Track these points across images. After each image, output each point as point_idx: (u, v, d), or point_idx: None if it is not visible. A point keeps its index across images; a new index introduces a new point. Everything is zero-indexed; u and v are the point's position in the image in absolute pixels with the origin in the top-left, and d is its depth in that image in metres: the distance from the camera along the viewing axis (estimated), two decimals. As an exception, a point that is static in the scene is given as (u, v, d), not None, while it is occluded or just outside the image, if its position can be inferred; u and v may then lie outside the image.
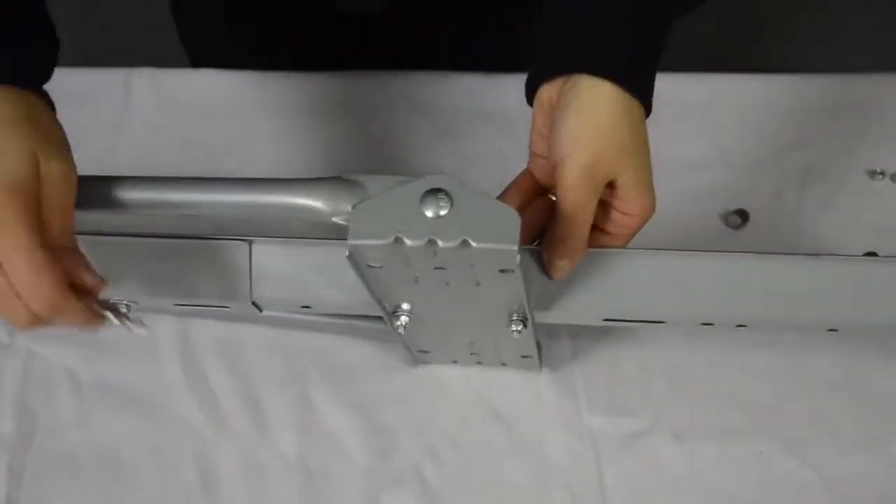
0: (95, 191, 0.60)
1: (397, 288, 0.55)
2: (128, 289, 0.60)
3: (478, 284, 0.54)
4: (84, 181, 0.56)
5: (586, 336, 0.74)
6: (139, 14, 1.53)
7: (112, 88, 0.87)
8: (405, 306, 0.58)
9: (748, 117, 0.85)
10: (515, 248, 0.49)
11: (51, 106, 0.55)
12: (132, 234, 0.63)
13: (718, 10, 1.70)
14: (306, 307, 0.63)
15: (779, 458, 0.68)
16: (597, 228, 0.59)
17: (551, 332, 0.73)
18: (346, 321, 0.72)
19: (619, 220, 0.59)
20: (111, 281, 0.55)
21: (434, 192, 0.49)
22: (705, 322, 0.61)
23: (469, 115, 0.85)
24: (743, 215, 0.79)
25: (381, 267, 0.52)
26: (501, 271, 0.51)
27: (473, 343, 0.66)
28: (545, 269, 0.59)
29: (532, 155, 0.61)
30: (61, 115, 0.58)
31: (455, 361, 0.72)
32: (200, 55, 0.96)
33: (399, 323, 0.58)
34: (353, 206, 0.51)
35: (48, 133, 0.52)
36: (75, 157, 0.55)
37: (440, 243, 0.49)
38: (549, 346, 0.72)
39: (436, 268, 0.52)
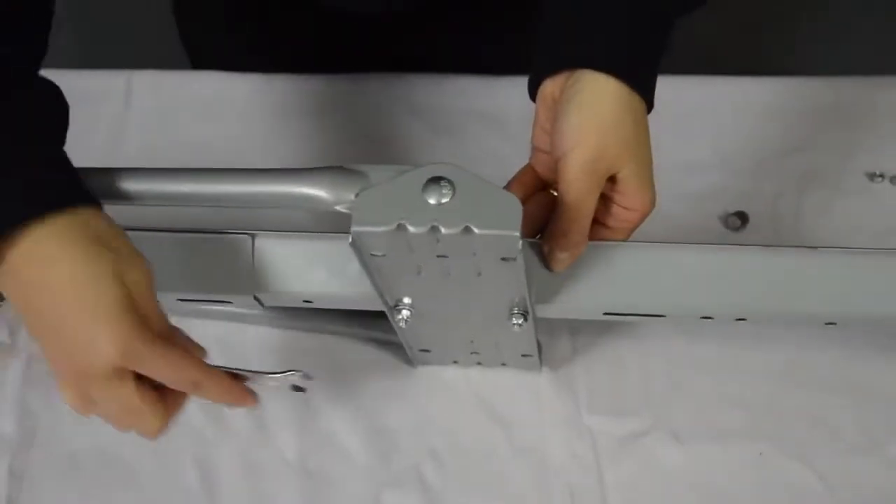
0: (100, 182, 0.61)
1: (399, 279, 0.56)
2: None
3: (479, 275, 0.54)
4: (88, 173, 0.56)
5: (586, 336, 0.74)
6: (140, 16, 1.53)
7: (113, 90, 0.87)
8: (407, 300, 0.58)
9: (748, 119, 0.85)
10: (517, 234, 0.49)
11: (99, 206, 0.54)
12: (134, 228, 0.63)
13: (719, 13, 1.71)
14: (308, 302, 0.63)
15: (779, 459, 0.68)
16: (597, 222, 0.60)
17: (551, 331, 0.73)
18: (346, 325, 0.73)
19: (619, 215, 0.59)
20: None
21: (436, 180, 0.50)
22: (705, 315, 0.61)
23: (468, 117, 0.85)
24: (743, 217, 0.79)
25: (383, 255, 0.52)
26: (503, 259, 0.51)
27: (474, 341, 0.66)
28: (546, 261, 0.60)
29: (534, 150, 0.62)
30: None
31: (455, 362, 0.72)
32: (201, 57, 0.96)
33: (401, 317, 0.58)
34: (356, 195, 0.51)
35: (114, 241, 0.52)
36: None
37: (443, 230, 0.49)
38: (549, 346, 0.72)
39: (438, 256, 0.52)
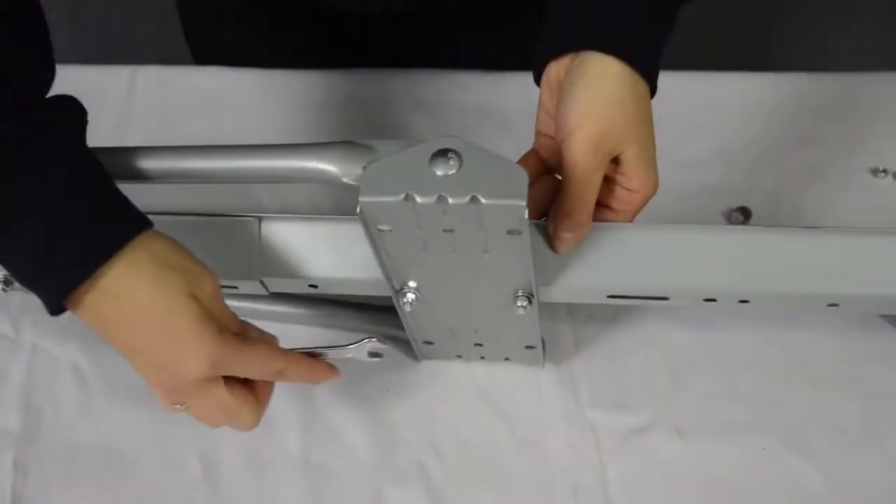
0: (113, 161, 0.61)
1: (406, 257, 0.56)
2: None
3: (485, 252, 0.54)
4: (100, 153, 0.56)
5: (589, 331, 0.74)
6: (143, 12, 1.53)
7: (117, 85, 0.88)
8: (412, 284, 0.59)
9: (751, 116, 0.85)
10: (523, 203, 0.49)
11: (150, 223, 0.55)
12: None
13: (722, 10, 1.71)
14: (313, 286, 0.63)
15: (781, 454, 0.68)
16: (601, 205, 0.60)
17: (554, 327, 0.73)
18: (351, 320, 0.73)
19: (623, 197, 0.60)
20: None
21: (443, 152, 0.50)
22: (708, 298, 0.61)
23: (469, 112, 0.85)
24: (745, 213, 0.79)
25: (390, 230, 0.53)
26: (509, 233, 0.52)
27: (478, 331, 0.66)
28: (550, 242, 0.60)
29: (538, 134, 0.62)
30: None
31: (459, 357, 0.72)
32: (204, 53, 0.97)
33: (406, 300, 0.59)
34: (364, 168, 0.52)
35: (177, 259, 0.54)
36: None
37: (450, 200, 0.50)
38: (551, 342, 0.72)
39: (445, 231, 0.52)
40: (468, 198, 0.49)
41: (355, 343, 0.60)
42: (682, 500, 0.67)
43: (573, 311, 0.75)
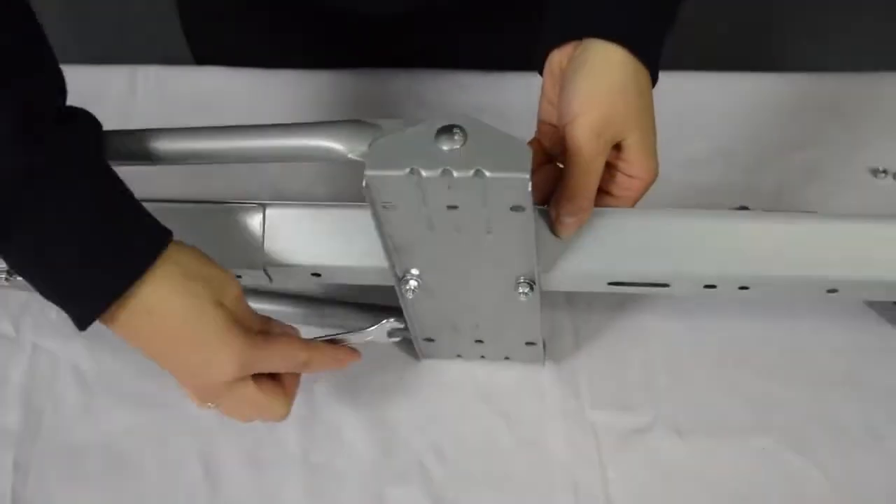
0: (120, 144, 0.62)
1: (410, 238, 0.56)
2: None
3: (489, 232, 0.54)
4: (108, 136, 0.57)
5: (589, 331, 0.74)
6: (144, 12, 1.53)
7: (117, 85, 0.88)
8: (415, 271, 0.59)
9: (751, 115, 0.85)
10: (527, 176, 0.50)
11: (171, 233, 0.56)
12: (146, 200, 0.64)
13: (722, 10, 1.71)
14: (316, 275, 0.64)
15: (781, 454, 0.69)
16: (602, 191, 0.61)
17: (554, 326, 0.74)
18: (354, 319, 0.73)
19: (624, 183, 0.61)
20: None
21: (448, 128, 0.51)
22: (708, 284, 0.62)
23: (471, 112, 0.84)
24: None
25: (395, 207, 0.53)
26: (512, 209, 0.52)
27: (479, 325, 0.66)
28: (552, 227, 0.61)
29: (540, 122, 0.63)
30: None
31: (459, 356, 0.72)
32: (204, 53, 0.97)
33: (408, 287, 0.59)
34: (370, 144, 0.52)
35: (200, 268, 0.56)
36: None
37: (455, 174, 0.50)
38: (551, 341, 0.72)
39: (449, 207, 0.53)
40: (473, 171, 0.50)
41: (375, 325, 0.62)
42: (683, 500, 0.67)
43: (573, 310, 0.75)
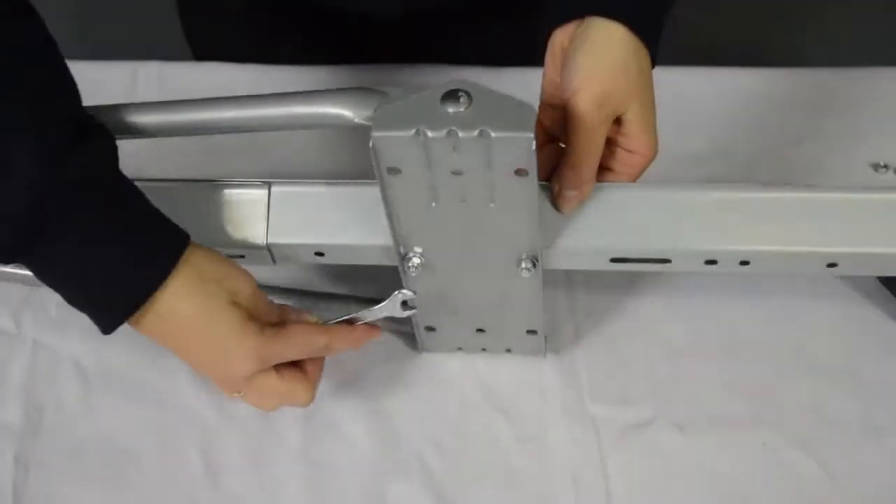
0: (125, 117, 0.63)
1: (414, 210, 0.57)
2: None
3: (492, 203, 0.55)
4: (111, 110, 0.59)
5: (589, 325, 0.74)
6: (144, 8, 1.53)
7: (119, 81, 0.88)
8: (418, 249, 0.60)
9: (751, 111, 0.85)
10: (531, 135, 0.51)
11: (187, 235, 0.58)
12: (155, 179, 0.65)
13: (721, 5, 1.71)
14: (320, 254, 0.64)
15: (781, 449, 0.68)
16: (603, 168, 0.62)
17: (555, 322, 0.74)
18: (347, 309, 0.73)
19: (624, 159, 0.62)
20: None
21: (454, 92, 0.52)
22: (709, 259, 0.62)
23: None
24: (746, 207, 0.79)
25: (401, 173, 0.54)
26: (517, 173, 0.53)
27: (480, 311, 0.66)
28: (554, 202, 0.61)
29: (541, 104, 0.64)
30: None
31: (460, 349, 0.72)
32: (205, 52, 0.97)
33: (411, 264, 0.60)
34: (376, 109, 0.54)
35: (214, 268, 0.58)
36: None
37: (460, 134, 0.51)
38: (552, 336, 0.72)
39: (453, 173, 0.53)
40: (477, 132, 0.51)
41: (387, 300, 0.63)
42: (683, 494, 0.67)
43: (573, 305, 0.75)
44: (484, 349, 0.72)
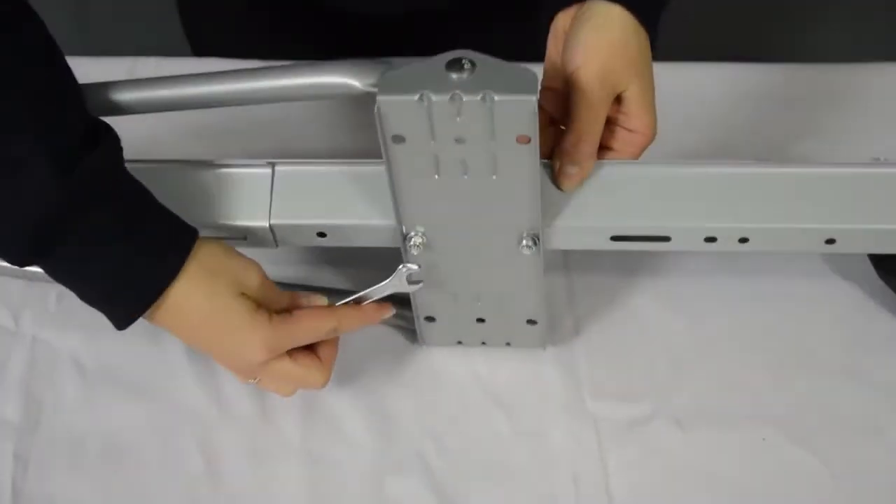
0: (130, 93, 0.64)
1: (418, 183, 0.57)
2: None
3: (494, 175, 0.56)
4: (116, 86, 0.61)
5: (589, 322, 0.74)
6: (143, 4, 1.53)
7: (117, 77, 0.87)
8: (420, 228, 0.60)
9: (752, 106, 0.85)
10: (534, 98, 0.52)
11: (196, 230, 0.60)
12: (161, 161, 0.66)
13: (722, 0, 1.70)
14: (322, 235, 0.65)
15: (782, 445, 0.68)
16: (603, 147, 0.64)
17: (554, 318, 0.73)
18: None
19: (624, 138, 0.63)
20: None
21: (458, 59, 0.53)
22: (709, 237, 0.63)
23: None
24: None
25: (405, 141, 0.54)
26: (519, 141, 0.54)
27: (481, 297, 0.67)
28: (555, 180, 0.62)
29: (543, 88, 0.65)
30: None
31: (460, 342, 0.72)
32: (205, 52, 0.97)
33: (413, 244, 0.61)
34: (381, 76, 0.55)
35: (222, 260, 0.60)
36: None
37: (464, 98, 0.52)
38: (551, 332, 0.72)
39: (457, 141, 0.54)
40: (481, 95, 0.52)
41: (392, 275, 0.63)
42: (683, 491, 0.67)
43: (573, 301, 0.75)
44: (484, 343, 0.72)
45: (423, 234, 0.61)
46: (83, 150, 0.55)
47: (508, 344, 0.72)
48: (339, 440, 0.70)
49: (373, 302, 0.65)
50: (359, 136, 0.83)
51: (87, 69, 0.84)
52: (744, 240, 0.63)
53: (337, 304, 0.64)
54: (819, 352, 0.72)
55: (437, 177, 0.57)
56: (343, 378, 0.72)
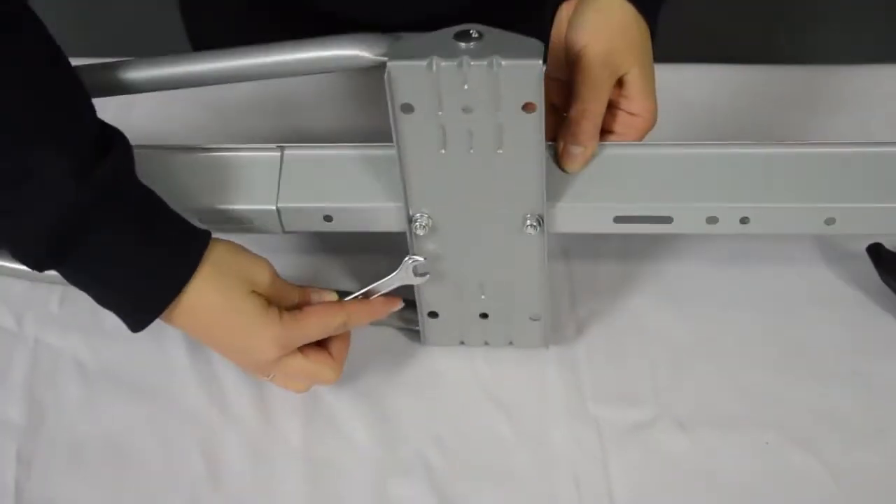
0: (148, 71, 0.66)
1: (424, 156, 0.58)
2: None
3: (499, 149, 0.57)
4: (133, 63, 0.64)
5: (591, 324, 0.74)
6: (144, 5, 1.53)
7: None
8: (425, 210, 0.61)
9: (753, 108, 0.86)
10: (540, 62, 0.53)
11: (208, 232, 0.62)
12: (170, 147, 0.67)
13: (719, 4, 1.71)
14: (328, 219, 0.66)
15: (784, 448, 0.68)
16: (605, 131, 0.66)
17: (557, 320, 0.73)
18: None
19: (625, 121, 0.65)
20: None
21: (465, 30, 0.55)
22: (711, 217, 0.64)
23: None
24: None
25: (413, 111, 0.56)
26: (524, 111, 0.55)
27: (484, 288, 0.67)
28: (559, 161, 0.64)
29: (545, 77, 0.65)
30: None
31: (462, 342, 0.72)
32: (205, 46, 0.96)
33: (418, 224, 0.62)
34: (390, 45, 0.57)
35: (233, 260, 0.62)
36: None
37: (471, 63, 0.53)
38: (554, 334, 0.72)
39: (464, 111, 0.56)
40: (487, 60, 0.53)
41: (399, 268, 0.64)
42: (685, 494, 0.67)
43: (575, 304, 0.75)
44: (486, 342, 0.71)
45: (429, 216, 0.62)
46: (98, 155, 0.56)
47: (511, 344, 0.72)
48: (341, 441, 0.70)
49: (381, 295, 0.66)
50: (369, 112, 0.84)
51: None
52: (745, 220, 0.64)
53: (345, 298, 0.65)
54: (821, 354, 0.72)
55: (443, 151, 0.58)
56: (344, 379, 0.71)
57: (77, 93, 0.58)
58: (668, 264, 0.77)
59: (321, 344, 0.65)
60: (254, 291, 0.61)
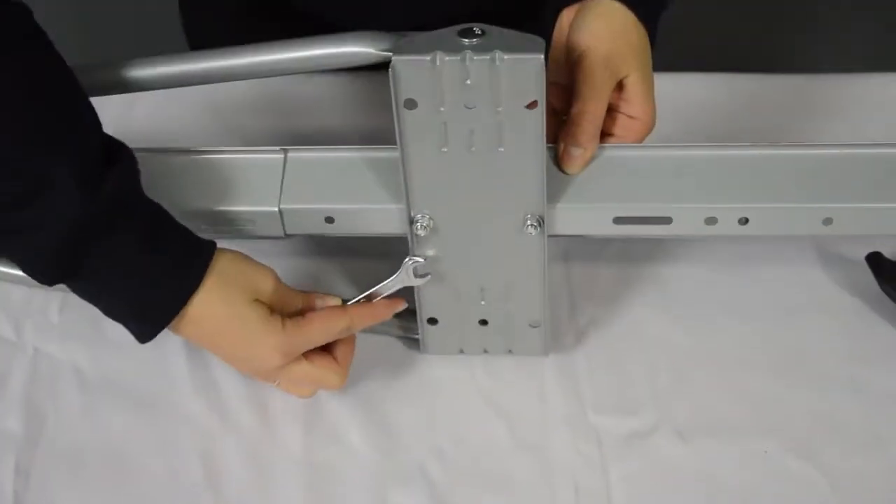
0: (156, 68, 0.67)
1: (426, 155, 0.59)
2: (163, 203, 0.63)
3: (501, 147, 0.58)
4: (141, 61, 0.64)
5: (590, 333, 0.74)
6: (144, 5, 1.53)
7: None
8: (427, 211, 0.62)
9: (753, 116, 0.86)
10: (542, 56, 0.54)
11: (213, 243, 0.62)
12: (176, 150, 0.68)
13: (719, 10, 1.71)
14: (330, 220, 0.66)
15: (783, 456, 0.68)
16: (605, 134, 0.67)
17: (556, 328, 0.73)
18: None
19: (625, 124, 0.67)
20: None
21: (469, 28, 0.56)
22: (710, 217, 0.64)
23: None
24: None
25: (416, 106, 0.57)
26: (527, 108, 0.56)
27: (484, 293, 0.67)
28: (559, 163, 0.65)
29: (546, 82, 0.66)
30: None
31: (461, 351, 0.72)
32: (205, 47, 0.96)
33: (419, 225, 0.62)
34: (395, 41, 0.58)
35: (236, 270, 0.62)
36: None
37: (473, 57, 0.54)
38: (553, 342, 0.72)
39: (466, 107, 0.56)
40: (490, 55, 0.54)
41: (399, 270, 0.65)
42: (685, 501, 0.67)
43: (575, 313, 0.75)
44: (485, 350, 0.72)
45: (430, 217, 0.62)
46: (105, 169, 0.57)
47: (510, 352, 0.72)
48: (340, 450, 0.70)
49: (383, 298, 0.66)
50: (370, 114, 0.85)
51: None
52: (743, 221, 0.64)
53: (348, 302, 0.66)
54: (820, 362, 0.72)
55: (445, 149, 0.58)
56: (345, 387, 0.71)
57: (81, 105, 0.59)
58: (666, 270, 0.77)
59: (326, 349, 0.66)
60: (257, 300, 0.62)
